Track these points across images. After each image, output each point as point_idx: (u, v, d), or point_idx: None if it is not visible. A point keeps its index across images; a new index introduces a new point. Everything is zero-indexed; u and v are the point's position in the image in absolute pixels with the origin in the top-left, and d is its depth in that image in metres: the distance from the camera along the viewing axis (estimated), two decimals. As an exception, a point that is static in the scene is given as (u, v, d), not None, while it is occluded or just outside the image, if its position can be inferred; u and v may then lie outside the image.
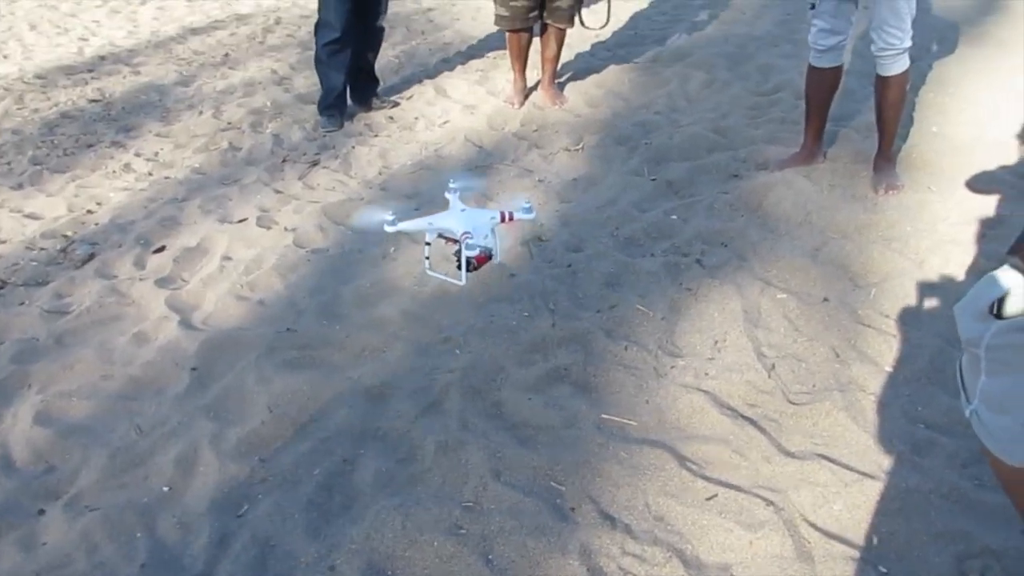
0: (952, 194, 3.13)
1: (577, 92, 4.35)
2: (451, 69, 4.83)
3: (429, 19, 6.02)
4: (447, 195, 3.22)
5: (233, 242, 3.05)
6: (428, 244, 3.47)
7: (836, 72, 3.24)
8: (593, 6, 5.14)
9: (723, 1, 5.99)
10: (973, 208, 3.01)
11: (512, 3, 3.95)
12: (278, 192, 3.45)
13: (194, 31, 6.00)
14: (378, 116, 4.18)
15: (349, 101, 4.24)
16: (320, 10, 3.91)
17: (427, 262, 3.46)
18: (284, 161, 3.75)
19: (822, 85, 3.25)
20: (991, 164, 3.38)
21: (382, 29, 4.18)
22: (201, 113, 4.38)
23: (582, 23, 4.19)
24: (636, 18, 5.70)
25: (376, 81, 4.33)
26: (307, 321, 2.54)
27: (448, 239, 3.39)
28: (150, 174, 3.72)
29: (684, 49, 4.88)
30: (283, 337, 2.46)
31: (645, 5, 6.00)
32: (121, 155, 3.91)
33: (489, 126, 3.98)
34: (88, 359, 2.44)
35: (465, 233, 3.26)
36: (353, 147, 3.85)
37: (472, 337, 2.42)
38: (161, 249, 3.06)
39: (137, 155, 3.90)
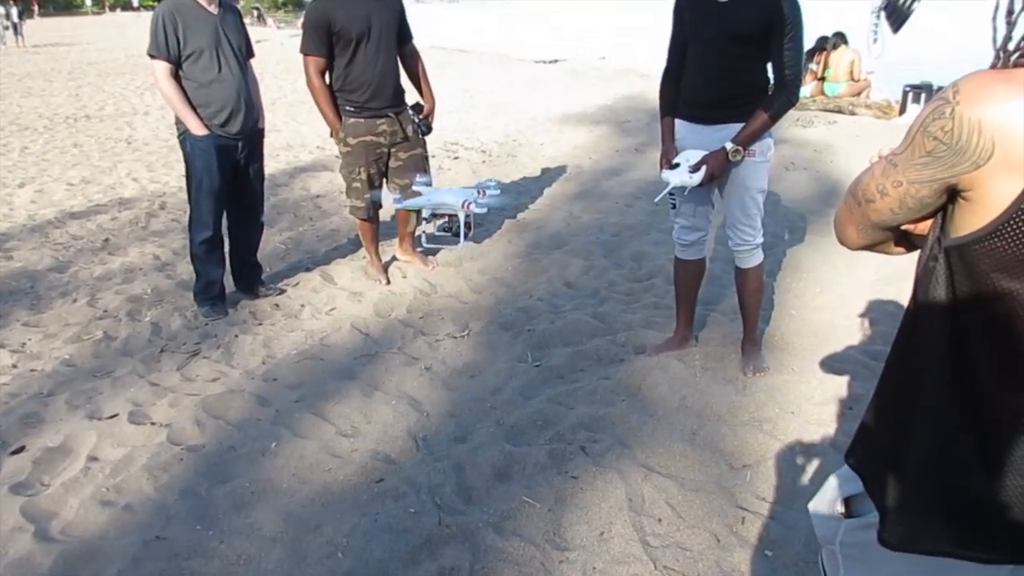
0: (813, 375, 3.34)
1: (461, 278, 4.50)
2: (339, 256, 4.92)
3: (317, 205, 6.17)
4: (416, 188, 3.88)
5: (101, 441, 2.89)
6: (426, 220, 4.09)
7: (700, 263, 3.50)
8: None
9: (596, 192, 6.44)
10: (832, 388, 3.22)
11: (365, 195, 4.29)
12: (154, 385, 3.33)
13: (73, 215, 5.91)
14: (263, 304, 4.17)
15: (233, 288, 4.23)
16: (192, 205, 3.93)
17: (424, 236, 4.05)
18: (162, 351, 3.65)
19: (688, 276, 3.50)
20: (843, 345, 3.66)
21: (261, 225, 4.26)
22: (75, 300, 4.25)
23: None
24: (517, 208, 6.02)
25: (260, 268, 4.35)
26: (177, 527, 2.40)
27: (442, 214, 4.12)
28: (14, 366, 3.53)
29: (562, 237, 5.17)
30: (150, 547, 2.30)
31: (525, 197, 6.37)
32: (-17, 347, 3.72)
33: (376, 313, 4.03)
34: (-77, 582, 2.20)
35: (465, 201, 3.95)
36: (236, 336, 3.80)
37: (355, 538, 2.33)
38: (20, 450, 2.87)
39: (1, 346, 3.71)
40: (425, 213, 4.17)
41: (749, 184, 3.16)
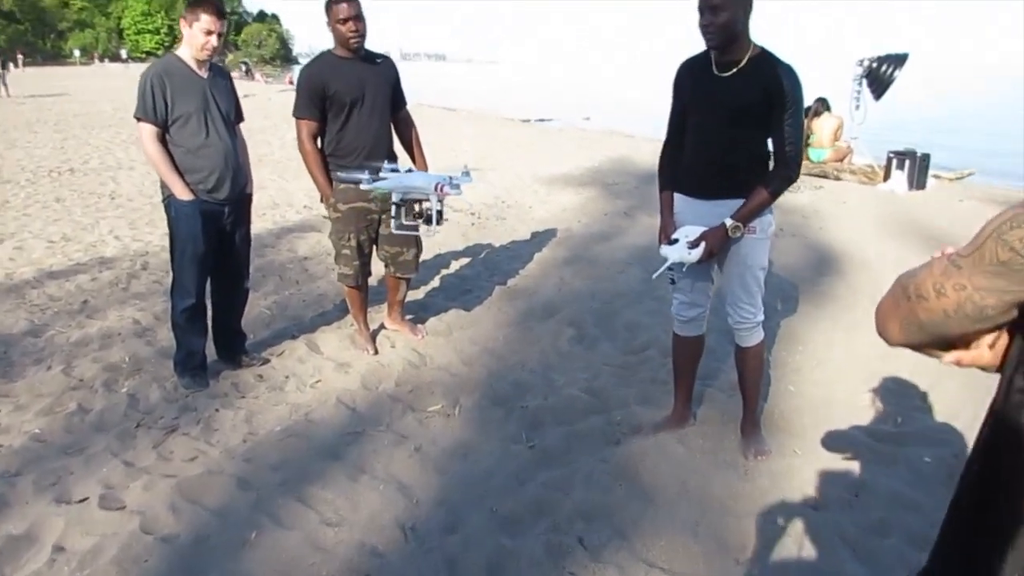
0: (816, 458, 3.23)
1: (452, 348, 4.38)
2: (326, 323, 4.78)
3: (304, 268, 6.05)
4: (384, 174, 3.75)
5: (69, 528, 2.72)
6: (395, 205, 3.88)
7: (699, 340, 3.41)
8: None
9: (587, 257, 6.38)
10: (837, 474, 3.11)
11: (354, 262, 4.19)
12: (128, 464, 3.15)
13: (52, 275, 5.76)
14: (246, 374, 4.01)
15: (215, 357, 4.09)
16: (175, 271, 3.80)
17: (394, 222, 3.88)
18: (138, 426, 3.48)
19: (687, 352, 3.41)
20: (844, 423, 3.57)
21: (246, 291, 4.15)
22: (49, 368, 4.08)
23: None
24: (507, 273, 5.95)
25: (243, 336, 4.21)
26: (148, 632, 2.22)
27: (413, 200, 3.86)
28: (-20, 441, 3.35)
29: (554, 305, 5.08)
30: (117, 655, 2.13)
31: (515, 262, 6.30)
32: (-52, 419, 3.53)
33: (363, 386, 3.89)
34: None
35: (439, 184, 3.71)
36: (217, 410, 3.64)
37: (340, 645, 2.17)
38: (-19, 538, 2.68)
39: (-33, 419, 3.53)
40: (395, 198, 3.98)
41: (750, 261, 3.09)
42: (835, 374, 4.14)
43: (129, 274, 5.81)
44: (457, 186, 3.86)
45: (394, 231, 4.01)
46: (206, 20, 3.54)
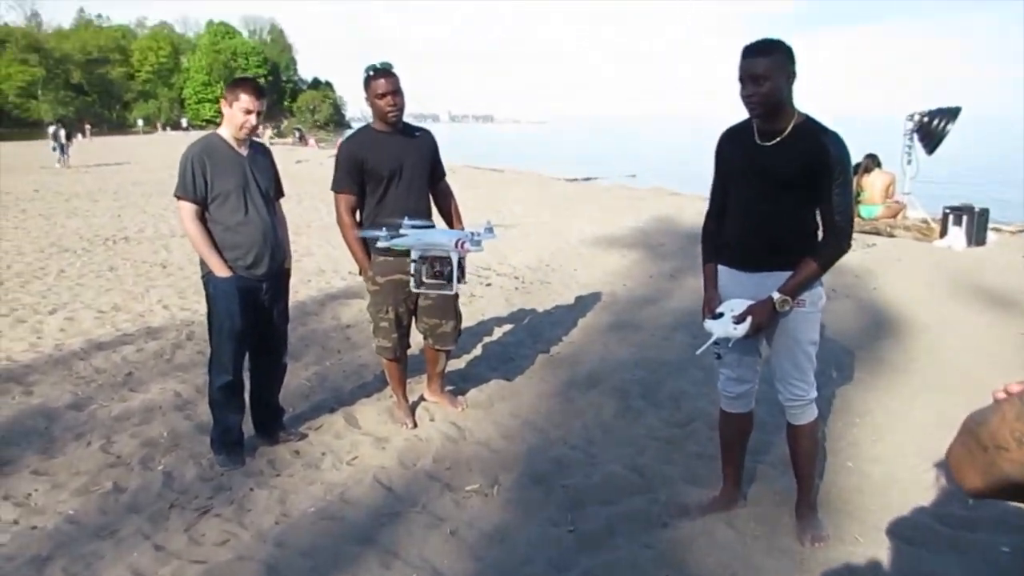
0: (879, 545, 3.02)
1: (491, 422, 4.27)
2: (365, 395, 4.71)
3: (346, 337, 6.03)
4: (404, 231, 3.67)
5: (94, 619, 2.65)
6: (414, 262, 3.76)
7: (748, 417, 3.25)
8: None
9: (632, 323, 6.24)
10: (903, 564, 2.90)
11: (392, 335, 4.14)
12: (158, 548, 3.08)
13: (99, 346, 5.82)
14: (283, 451, 3.94)
15: (253, 433, 4.04)
16: (213, 347, 3.79)
17: (412, 280, 3.75)
18: (171, 507, 3.41)
19: (735, 430, 3.25)
20: (909, 505, 3.35)
21: (284, 366, 4.13)
22: (89, 444, 4.06)
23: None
24: (550, 340, 5.84)
25: (281, 411, 4.17)
26: None
27: (433, 258, 3.73)
28: (16, 523, 3.31)
29: (597, 374, 4.94)
30: None
31: (559, 329, 6.19)
32: (-13, 497, 3.52)
33: (400, 463, 3.79)
34: None
35: (459, 240, 3.61)
36: (251, 489, 3.56)
37: None
38: (5, 630, 2.62)
39: (6, 498, 3.51)
40: (414, 255, 3.85)
41: (800, 336, 2.94)
42: (896, 449, 3.91)
43: (174, 344, 5.84)
44: (479, 242, 3.77)
45: (413, 289, 3.93)
46: (245, 100, 3.59)
